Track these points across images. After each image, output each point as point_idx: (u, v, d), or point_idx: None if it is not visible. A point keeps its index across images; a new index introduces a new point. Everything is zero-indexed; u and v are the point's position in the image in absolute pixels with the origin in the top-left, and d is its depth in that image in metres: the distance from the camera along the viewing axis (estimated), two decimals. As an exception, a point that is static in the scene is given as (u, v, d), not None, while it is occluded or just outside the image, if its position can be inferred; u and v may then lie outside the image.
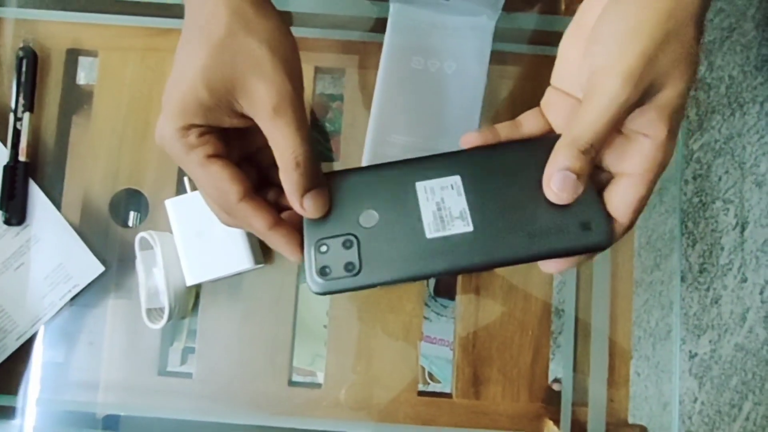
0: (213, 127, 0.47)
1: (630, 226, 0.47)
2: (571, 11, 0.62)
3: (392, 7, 0.73)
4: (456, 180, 0.48)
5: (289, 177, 0.46)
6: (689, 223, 1.70)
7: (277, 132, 0.45)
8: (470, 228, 0.46)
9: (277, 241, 0.48)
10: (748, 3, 1.75)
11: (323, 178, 0.48)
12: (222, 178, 0.47)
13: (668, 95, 0.43)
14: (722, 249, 1.70)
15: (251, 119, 0.47)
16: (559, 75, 0.52)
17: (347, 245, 0.47)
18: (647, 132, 0.45)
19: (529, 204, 0.46)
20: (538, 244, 0.46)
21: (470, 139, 0.50)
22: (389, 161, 0.50)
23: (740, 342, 1.68)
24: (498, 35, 0.73)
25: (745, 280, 1.69)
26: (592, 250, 0.46)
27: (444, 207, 0.47)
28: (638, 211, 0.47)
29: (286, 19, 0.49)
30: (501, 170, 0.48)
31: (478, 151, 0.49)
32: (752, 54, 1.74)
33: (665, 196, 0.86)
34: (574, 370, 0.78)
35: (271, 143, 0.46)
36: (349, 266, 0.46)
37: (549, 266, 0.49)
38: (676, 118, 0.45)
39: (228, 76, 0.45)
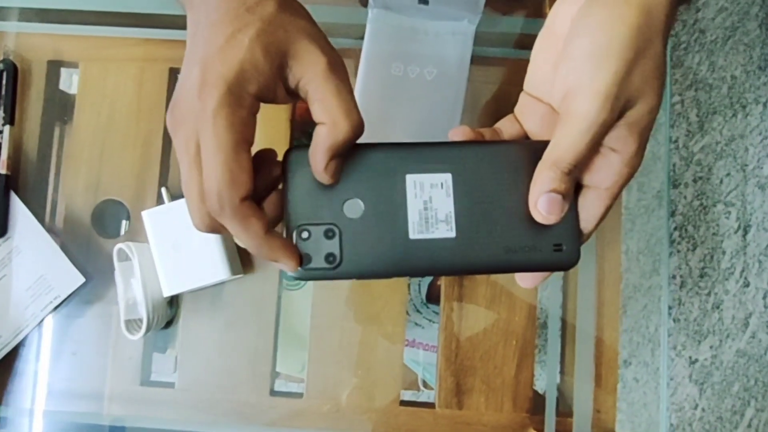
0: (257, 108, 0.45)
1: (591, 234, 0.48)
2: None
3: (371, 13, 0.73)
4: (447, 179, 0.47)
5: (332, 133, 0.44)
6: (689, 227, 1.68)
7: (331, 91, 0.44)
8: (453, 234, 0.46)
9: (273, 246, 0.45)
10: (751, 1, 1.73)
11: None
12: (244, 169, 0.43)
13: (639, 112, 0.44)
14: (724, 253, 1.68)
15: (293, 95, 0.47)
16: (531, 81, 0.52)
17: (329, 235, 0.46)
18: (616, 147, 0.45)
19: (511, 215, 0.47)
20: (513, 258, 0.47)
21: (458, 134, 0.50)
22: (382, 142, 0.49)
23: (742, 348, 1.66)
24: (479, 39, 0.73)
25: (747, 285, 1.67)
26: (558, 269, 0.48)
27: (431, 207, 0.46)
28: (602, 220, 0.47)
29: None
30: (490, 173, 0.47)
31: (472, 147, 0.49)
32: (755, 53, 1.72)
33: (664, 200, 0.85)
34: (561, 379, 0.77)
35: (321, 107, 0.44)
36: (329, 257, 0.46)
37: (525, 282, 0.51)
38: (645, 134, 0.45)
39: (283, 39, 0.44)
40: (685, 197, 1.68)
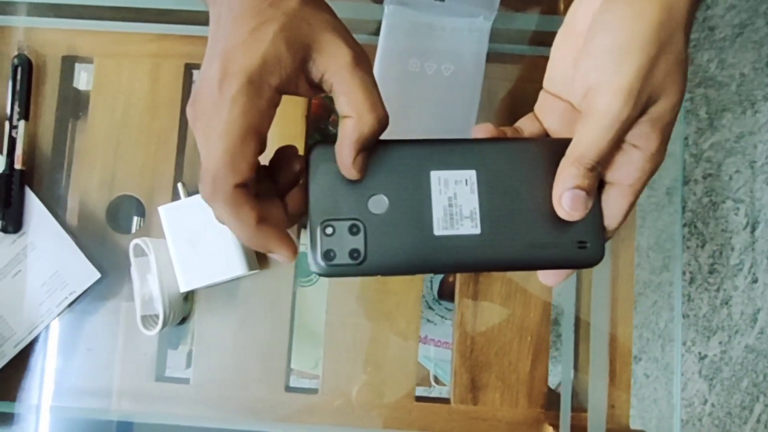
0: (278, 100, 0.45)
1: (615, 232, 0.48)
2: (569, 11, 0.61)
3: (387, 9, 0.73)
4: (471, 175, 0.47)
5: (358, 127, 0.44)
6: (699, 223, 1.68)
7: (356, 83, 0.44)
8: (477, 231, 0.46)
9: (266, 236, 0.45)
10: (760, -1, 1.74)
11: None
12: (243, 155, 0.43)
13: (662, 108, 0.44)
14: (732, 249, 1.68)
15: (315, 89, 0.46)
16: (551, 79, 0.52)
17: (354, 231, 0.46)
18: (639, 144, 0.45)
19: (535, 212, 0.47)
20: (537, 255, 0.47)
21: (482, 131, 0.50)
22: (407, 138, 0.49)
23: (751, 343, 1.67)
24: (495, 36, 0.73)
25: (755, 281, 1.67)
26: (582, 266, 0.48)
27: (455, 204, 0.46)
28: (626, 217, 0.48)
29: None
30: (514, 170, 0.48)
31: (496, 144, 0.49)
32: (764, 51, 1.72)
33: (674, 196, 0.85)
34: (574, 375, 0.77)
35: (346, 99, 0.44)
36: (354, 253, 0.46)
37: (548, 279, 0.51)
38: (668, 131, 0.45)
39: (306, 32, 0.44)
40: (694, 194, 1.68)
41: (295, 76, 0.45)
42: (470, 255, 0.46)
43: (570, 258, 0.47)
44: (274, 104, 0.45)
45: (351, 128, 0.44)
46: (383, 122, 0.45)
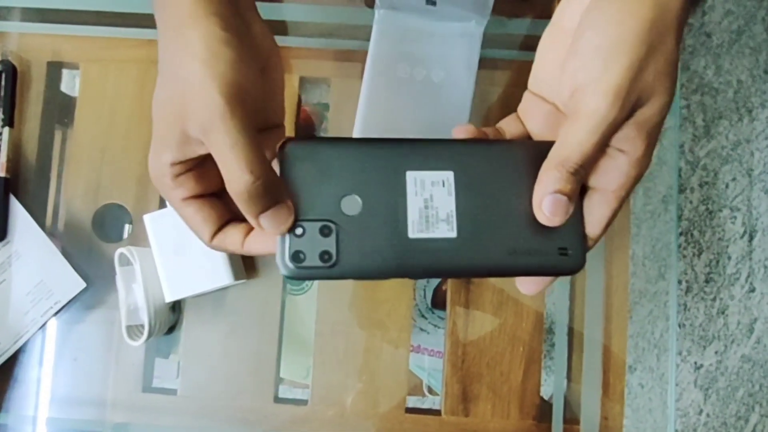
0: (188, 163, 0.44)
1: (598, 240, 0.46)
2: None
3: (377, 14, 0.72)
4: (449, 176, 0.45)
5: (237, 202, 0.43)
6: (695, 232, 1.67)
7: (214, 153, 0.42)
8: (453, 234, 0.45)
9: (253, 250, 0.47)
10: (757, 5, 1.73)
11: (282, 192, 0.44)
12: (195, 221, 0.46)
13: (649, 111, 0.42)
14: (729, 258, 1.67)
15: None
16: (536, 80, 0.51)
17: (325, 232, 0.44)
18: (624, 148, 0.43)
19: (515, 216, 0.45)
20: (516, 261, 0.45)
21: (462, 131, 0.49)
22: (383, 137, 0.47)
23: (747, 353, 1.66)
24: (487, 41, 0.72)
25: (752, 290, 1.66)
26: (562, 274, 0.47)
27: (431, 206, 0.45)
28: (610, 224, 0.46)
29: (248, 21, 0.47)
30: (494, 172, 0.46)
31: (476, 145, 0.48)
32: (761, 57, 1.72)
33: (670, 204, 0.84)
34: (567, 386, 0.76)
35: (217, 164, 0.42)
36: (324, 255, 0.44)
37: (527, 287, 0.49)
38: (654, 134, 0.44)
39: (177, 101, 0.42)
40: (690, 202, 1.67)
41: (183, 148, 0.43)
42: (446, 259, 0.45)
43: (550, 265, 0.46)
44: (177, 174, 0.44)
45: (236, 202, 0.43)
46: (252, 187, 0.41)
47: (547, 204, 0.43)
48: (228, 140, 0.41)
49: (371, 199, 0.45)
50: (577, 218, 0.45)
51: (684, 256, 1.66)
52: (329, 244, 0.44)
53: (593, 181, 0.45)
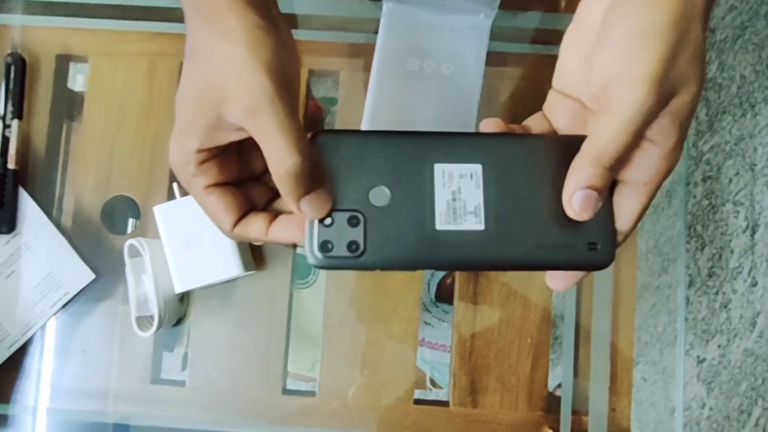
0: (214, 150, 0.45)
1: (629, 234, 0.46)
2: (571, 8, 0.60)
3: (385, 7, 0.72)
4: (477, 169, 0.45)
5: (280, 185, 0.43)
6: (698, 226, 1.67)
7: (259, 135, 0.42)
8: (481, 227, 0.45)
9: (279, 238, 0.47)
10: (760, 1, 1.73)
11: (322, 176, 0.45)
12: (217, 210, 0.46)
13: (682, 100, 0.41)
14: (732, 252, 1.67)
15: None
16: (560, 77, 0.50)
17: (353, 222, 0.44)
18: (656, 139, 0.42)
19: (543, 210, 0.45)
20: (544, 255, 0.45)
21: (491, 125, 0.48)
22: (411, 130, 0.47)
23: (750, 347, 1.66)
24: (495, 34, 0.72)
25: (755, 284, 1.67)
26: (592, 269, 0.46)
27: (459, 198, 0.45)
28: (640, 219, 0.45)
29: (276, 17, 0.47)
30: (523, 166, 0.46)
31: (504, 139, 0.47)
32: (765, 53, 1.72)
33: (674, 198, 0.84)
34: (575, 377, 0.76)
35: (261, 147, 0.43)
36: (352, 246, 0.44)
37: (556, 283, 0.48)
38: (686, 125, 0.43)
39: (214, 85, 0.43)
40: (694, 196, 1.67)
41: (213, 134, 0.44)
42: (473, 252, 0.45)
43: (578, 259, 0.45)
44: (202, 161, 0.45)
45: (277, 184, 0.44)
46: (297, 167, 0.42)
47: (577, 199, 0.43)
48: (277, 121, 0.41)
49: (399, 190, 0.45)
50: (606, 213, 0.45)
51: (687, 251, 1.66)
52: (357, 234, 0.44)
53: (624, 174, 0.44)
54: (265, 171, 0.46)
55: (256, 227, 0.47)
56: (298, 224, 0.46)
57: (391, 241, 0.44)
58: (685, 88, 0.41)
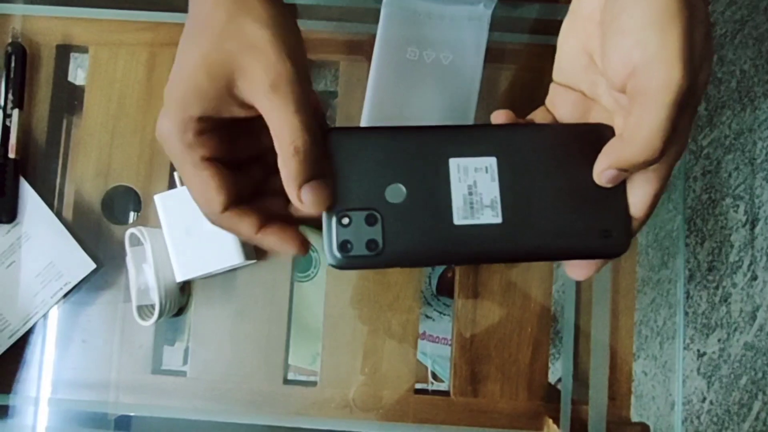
0: (214, 122, 0.44)
1: (645, 222, 0.45)
2: None
3: (385, -2, 0.72)
4: (491, 162, 0.45)
5: (286, 164, 0.42)
6: (698, 220, 1.67)
7: (274, 112, 0.42)
8: (499, 220, 0.45)
9: (268, 241, 0.46)
10: (760, -5, 1.73)
11: (326, 170, 0.45)
12: (209, 187, 0.44)
13: (700, 80, 0.41)
14: (732, 246, 1.68)
15: (253, 107, 0.44)
16: (560, 70, 0.50)
17: (371, 221, 0.44)
18: None
19: (558, 200, 0.45)
20: (560, 245, 0.45)
21: (501, 116, 0.48)
22: (424, 125, 0.47)
23: (750, 341, 1.66)
24: (495, 25, 0.72)
25: (755, 278, 1.67)
26: (608, 256, 0.46)
27: (476, 192, 0.45)
28: (654, 206, 0.45)
29: (290, 8, 0.47)
30: (536, 156, 0.46)
31: (517, 130, 0.47)
32: (764, 47, 1.72)
33: (673, 193, 0.84)
34: (575, 367, 0.76)
35: (269, 126, 0.43)
36: (371, 244, 0.44)
37: (576, 272, 0.48)
38: (696, 108, 0.43)
39: (228, 59, 0.42)
40: (693, 191, 1.68)
41: (219, 104, 0.43)
42: (491, 245, 0.45)
43: (593, 247, 0.45)
44: (200, 131, 0.44)
45: (281, 166, 0.43)
46: (306, 149, 0.42)
47: (608, 176, 0.43)
48: (294, 101, 0.42)
49: (415, 187, 0.45)
50: (620, 200, 0.45)
51: (687, 245, 1.66)
52: (375, 232, 0.44)
53: None
54: (255, 164, 0.47)
55: (248, 222, 0.45)
56: (293, 237, 0.45)
57: (409, 238, 0.44)
58: (703, 66, 0.41)
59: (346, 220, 0.44)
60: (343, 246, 0.44)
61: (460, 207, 0.45)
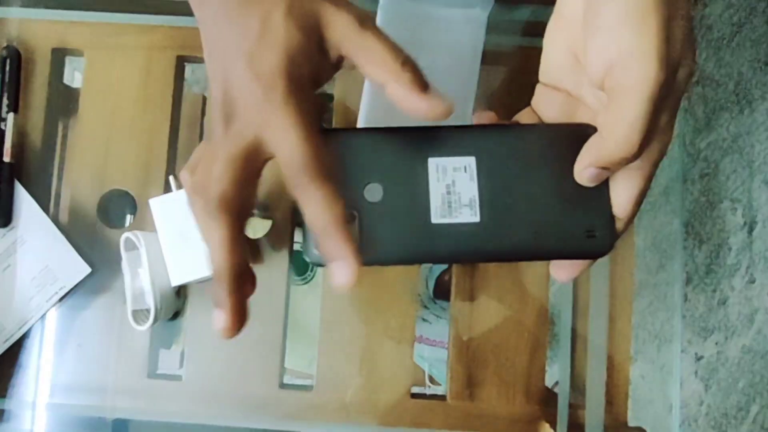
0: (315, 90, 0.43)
1: (630, 221, 0.45)
2: None
3: (382, 0, 0.72)
4: (470, 162, 0.45)
5: (402, 78, 0.41)
6: (696, 223, 1.67)
7: (370, 46, 0.42)
8: (477, 219, 0.44)
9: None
10: (757, -2, 1.74)
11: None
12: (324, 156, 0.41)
13: (680, 77, 0.41)
14: (730, 249, 1.68)
15: (336, 68, 0.44)
16: (545, 70, 0.49)
17: (349, 220, 0.43)
18: None
19: (539, 200, 0.45)
20: (541, 245, 0.45)
21: (483, 117, 0.48)
22: (402, 126, 0.47)
23: (748, 344, 1.66)
24: (491, 28, 0.72)
25: (753, 281, 1.67)
26: (591, 257, 0.46)
27: (454, 191, 0.44)
28: (639, 204, 0.44)
29: None
30: (516, 156, 0.46)
31: (496, 130, 0.47)
32: (762, 50, 1.72)
33: (671, 195, 0.84)
34: (572, 371, 0.76)
35: (365, 60, 0.42)
36: None
37: (560, 274, 0.48)
38: (678, 104, 0.42)
39: (310, 12, 0.41)
40: (691, 194, 1.68)
41: (320, 60, 0.42)
42: (469, 244, 0.44)
43: (577, 248, 0.45)
44: (312, 95, 0.42)
45: (396, 85, 0.41)
46: (411, 59, 0.42)
47: (589, 174, 0.43)
48: (382, 33, 0.42)
49: (394, 186, 0.45)
50: (603, 199, 0.45)
51: (685, 248, 1.66)
52: (353, 231, 0.43)
53: None
54: None
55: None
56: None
57: (387, 236, 0.44)
58: (682, 64, 0.40)
59: None
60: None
61: (438, 206, 0.44)
